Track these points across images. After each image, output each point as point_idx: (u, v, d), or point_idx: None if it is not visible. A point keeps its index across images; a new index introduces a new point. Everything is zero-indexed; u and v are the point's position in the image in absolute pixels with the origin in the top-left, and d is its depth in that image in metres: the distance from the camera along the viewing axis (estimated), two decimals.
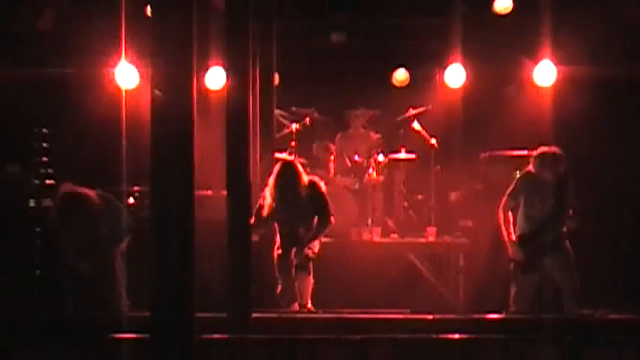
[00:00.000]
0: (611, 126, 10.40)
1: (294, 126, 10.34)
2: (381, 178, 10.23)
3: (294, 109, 10.77)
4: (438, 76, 11.24)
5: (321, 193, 8.17)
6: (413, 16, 11.06)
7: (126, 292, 7.78)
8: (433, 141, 10.33)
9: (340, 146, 10.70)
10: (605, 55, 10.54)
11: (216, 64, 10.44)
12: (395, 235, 10.08)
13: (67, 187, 7.74)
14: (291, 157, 9.87)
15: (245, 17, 7.06)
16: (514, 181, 8.26)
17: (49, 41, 10.86)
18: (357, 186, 10.16)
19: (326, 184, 8.58)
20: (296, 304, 8.05)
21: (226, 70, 7.84)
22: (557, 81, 10.33)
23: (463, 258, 9.58)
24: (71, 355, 6.41)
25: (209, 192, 9.43)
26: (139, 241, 7.58)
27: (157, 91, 4.76)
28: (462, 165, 10.71)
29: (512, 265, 8.08)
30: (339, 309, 8.06)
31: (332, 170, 10.40)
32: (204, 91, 10.38)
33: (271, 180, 8.08)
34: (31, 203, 9.93)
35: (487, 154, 10.38)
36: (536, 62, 10.38)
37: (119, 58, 10.06)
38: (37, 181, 10.06)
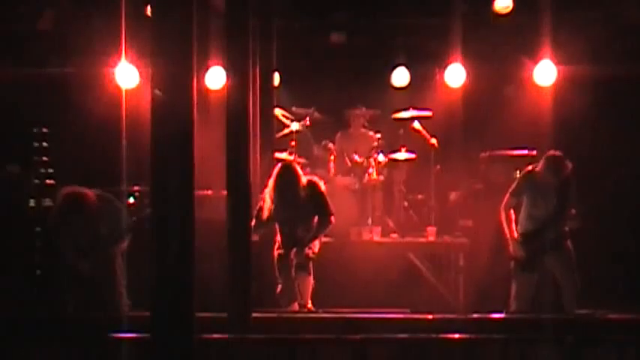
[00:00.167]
0: (611, 126, 10.40)
1: (295, 126, 10.34)
2: (381, 177, 10.22)
3: (294, 109, 10.78)
4: (438, 76, 11.24)
5: (321, 193, 8.16)
6: (413, 16, 11.05)
7: (126, 292, 7.79)
8: (433, 141, 10.33)
9: (340, 146, 10.70)
10: (605, 55, 10.54)
11: (216, 63, 10.44)
12: (395, 235, 10.07)
13: (68, 187, 7.75)
14: (291, 157, 9.88)
15: (245, 17, 7.06)
16: (516, 180, 8.26)
17: (49, 41, 10.86)
18: (357, 186, 10.15)
19: (326, 183, 8.58)
20: (296, 304, 8.04)
21: (226, 69, 7.84)
22: (557, 81, 10.34)
23: (463, 258, 9.58)
24: (71, 355, 6.41)
25: (209, 192, 9.43)
26: (139, 241, 7.58)
27: (157, 91, 4.76)
28: (462, 165, 10.72)
29: (512, 264, 8.09)
30: (339, 309, 8.04)
31: (332, 170, 10.39)
32: (204, 91, 10.38)
33: (271, 182, 8.09)
34: (31, 203, 9.94)
35: (487, 153, 10.40)
36: (536, 62, 10.38)
37: (119, 58, 10.07)
38: (37, 181, 10.08)
